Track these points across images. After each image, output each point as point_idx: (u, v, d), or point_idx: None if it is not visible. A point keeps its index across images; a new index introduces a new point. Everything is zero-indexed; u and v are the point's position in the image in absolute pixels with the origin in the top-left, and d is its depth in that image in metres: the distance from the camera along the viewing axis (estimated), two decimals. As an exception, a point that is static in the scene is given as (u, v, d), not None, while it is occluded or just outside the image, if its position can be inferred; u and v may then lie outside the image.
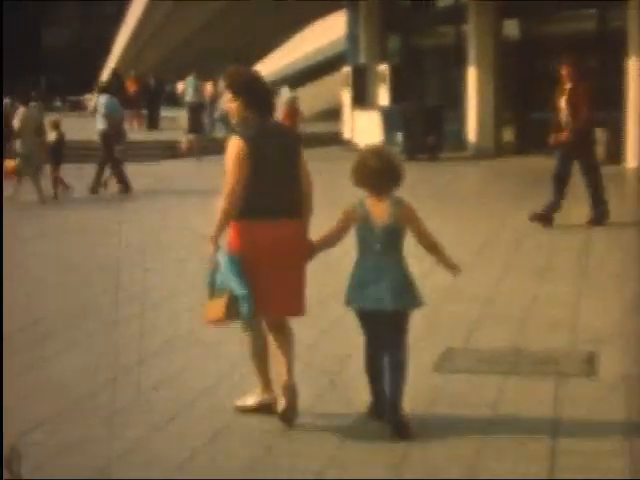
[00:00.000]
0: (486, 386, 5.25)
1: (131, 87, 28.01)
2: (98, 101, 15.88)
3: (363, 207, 4.66)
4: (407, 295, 4.65)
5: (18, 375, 5.59)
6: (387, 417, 4.56)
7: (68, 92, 49.55)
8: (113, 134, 15.21)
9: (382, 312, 4.56)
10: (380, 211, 4.65)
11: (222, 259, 4.58)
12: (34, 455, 4.35)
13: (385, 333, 4.60)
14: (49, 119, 15.45)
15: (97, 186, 15.05)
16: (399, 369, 4.58)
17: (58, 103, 45.21)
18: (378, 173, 4.62)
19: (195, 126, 21.39)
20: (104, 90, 16.03)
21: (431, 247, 4.83)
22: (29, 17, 63.56)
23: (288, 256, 4.66)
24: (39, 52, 65.65)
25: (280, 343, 4.75)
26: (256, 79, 4.93)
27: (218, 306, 4.59)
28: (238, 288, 4.52)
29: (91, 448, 4.46)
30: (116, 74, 26.09)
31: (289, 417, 4.63)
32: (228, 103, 4.87)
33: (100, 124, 15.25)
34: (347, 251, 4.96)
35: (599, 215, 10.39)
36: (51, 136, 14.92)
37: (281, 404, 4.65)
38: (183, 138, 21.76)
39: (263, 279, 4.61)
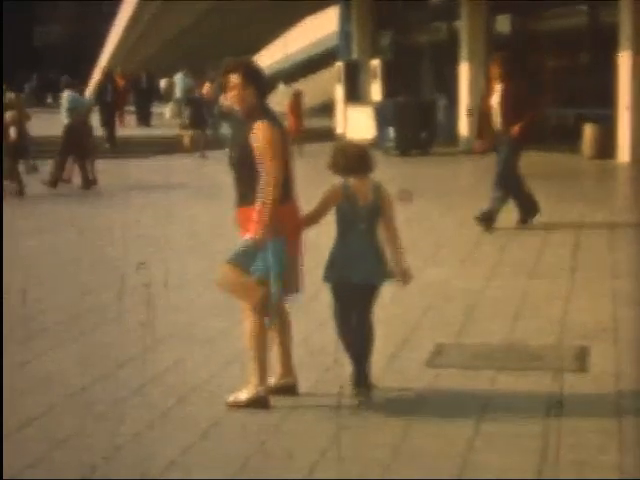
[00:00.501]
0: (478, 381, 5.27)
1: (119, 84, 27.89)
2: (62, 96, 15.98)
3: (348, 188, 4.94)
4: (386, 270, 5.02)
5: (12, 370, 5.60)
6: (355, 369, 4.98)
7: (61, 89, 49.37)
8: (77, 129, 15.33)
9: (369, 286, 4.96)
10: (364, 192, 4.96)
11: (271, 245, 4.73)
12: (28, 451, 4.36)
13: (362, 303, 4.99)
14: (7, 114, 15.45)
15: (56, 180, 15.17)
16: (370, 330, 5.03)
17: (50, 100, 45.07)
18: (359, 157, 4.97)
19: (197, 121, 21.33)
20: (68, 86, 16.15)
21: (393, 240, 5.07)
22: (22, 14, 63.38)
23: (299, 237, 4.96)
24: (32, 49, 65.47)
25: (285, 325, 5.03)
26: (262, 70, 5.08)
27: (256, 291, 4.75)
28: (278, 274, 4.76)
29: (85, 443, 4.47)
30: (107, 73, 26.00)
31: (296, 390, 4.98)
32: (235, 91, 4.86)
33: (64, 119, 15.47)
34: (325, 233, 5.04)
35: (520, 214, 10.10)
36: (11, 132, 14.93)
37: (290, 380, 4.99)
38: (185, 134, 21.72)
39: (291, 261, 4.87)
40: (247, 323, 4.89)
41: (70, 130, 15.35)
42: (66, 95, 15.71)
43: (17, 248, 9.93)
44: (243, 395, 4.89)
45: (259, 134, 4.78)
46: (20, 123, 14.96)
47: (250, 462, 4.26)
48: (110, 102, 22.95)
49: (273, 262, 4.75)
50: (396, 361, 5.67)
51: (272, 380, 5.01)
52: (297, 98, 20.66)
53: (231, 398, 4.92)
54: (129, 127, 26.17)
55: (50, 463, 4.25)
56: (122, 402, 5.03)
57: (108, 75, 25.13)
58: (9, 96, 17.70)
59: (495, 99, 9.87)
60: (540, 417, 4.69)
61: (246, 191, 4.83)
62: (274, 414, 4.79)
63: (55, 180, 15.15)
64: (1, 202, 12.28)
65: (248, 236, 4.76)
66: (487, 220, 9.96)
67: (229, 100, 4.95)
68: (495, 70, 9.91)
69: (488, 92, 10.12)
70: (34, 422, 4.75)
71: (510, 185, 10.02)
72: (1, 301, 6.90)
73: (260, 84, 4.92)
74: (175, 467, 4.20)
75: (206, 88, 22.31)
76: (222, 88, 5.02)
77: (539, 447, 4.33)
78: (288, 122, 20.11)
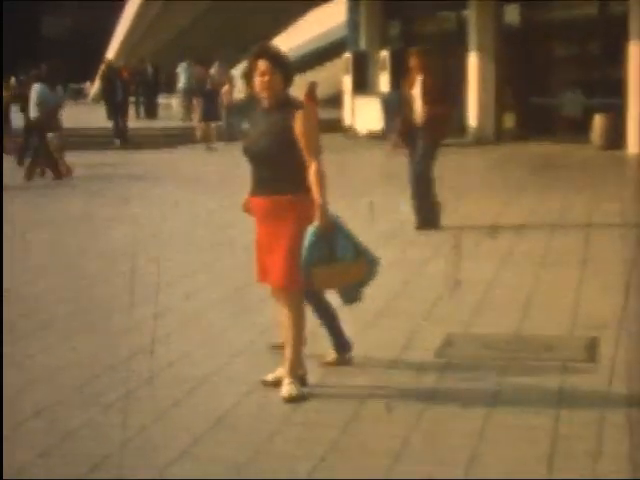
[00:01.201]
0: (488, 372, 5.26)
1: (123, 75, 27.80)
2: (32, 89, 16.04)
3: None
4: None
5: (19, 363, 5.61)
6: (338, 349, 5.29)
7: (70, 80, 49.41)
8: (44, 123, 15.42)
9: None
10: None
11: (340, 223, 4.82)
12: (36, 443, 4.36)
13: None
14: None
15: (32, 173, 15.37)
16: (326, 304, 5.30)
17: (59, 92, 45.06)
18: None
19: (209, 113, 21.26)
20: (38, 79, 16.20)
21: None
22: (29, 5, 63.39)
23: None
24: (39, 40, 65.50)
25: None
26: (288, 57, 5.04)
27: (360, 268, 4.84)
28: (365, 247, 4.87)
29: (94, 435, 4.47)
30: (110, 65, 25.96)
31: (306, 381, 5.00)
32: (263, 77, 4.78)
33: (33, 112, 15.56)
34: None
35: (423, 219, 9.77)
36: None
37: (300, 372, 4.96)
38: (197, 125, 21.68)
39: None
40: (295, 314, 4.85)
41: (36, 124, 15.48)
42: (35, 88, 15.72)
43: (24, 240, 9.94)
44: (295, 387, 4.84)
45: (305, 122, 4.73)
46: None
47: (260, 453, 4.25)
48: (120, 98, 22.79)
49: (349, 237, 4.80)
50: (406, 352, 5.66)
51: (282, 371, 5.00)
52: (312, 89, 20.57)
53: (286, 394, 4.83)
54: (131, 119, 26.14)
55: (60, 454, 4.25)
56: (132, 393, 5.03)
57: (112, 69, 24.99)
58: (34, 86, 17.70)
59: (415, 91, 9.67)
60: (551, 408, 4.68)
61: (283, 180, 4.76)
62: (284, 405, 4.78)
63: (32, 173, 15.38)
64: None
65: (312, 228, 4.69)
66: (432, 222, 9.72)
67: (256, 86, 4.84)
68: (414, 63, 9.69)
69: (409, 85, 9.83)
70: (44, 413, 4.75)
71: (419, 186, 9.71)
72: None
73: (287, 72, 4.85)
74: (186, 457, 4.20)
75: (226, 90, 21.99)
76: (246, 74, 4.94)
77: (550, 438, 4.32)
78: None
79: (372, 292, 7.13)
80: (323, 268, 4.75)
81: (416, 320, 6.36)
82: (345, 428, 4.49)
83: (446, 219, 9.99)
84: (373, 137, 21.28)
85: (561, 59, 19.96)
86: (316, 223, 4.72)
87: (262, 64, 4.79)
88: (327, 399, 4.89)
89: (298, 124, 4.73)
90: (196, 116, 22.21)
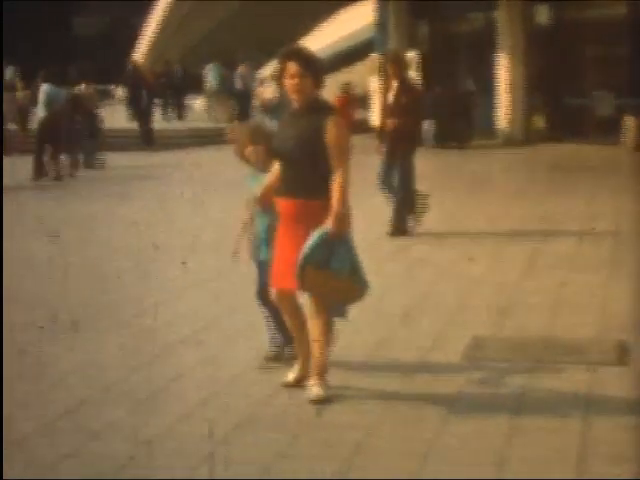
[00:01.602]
0: (515, 375, 5.22)
1: (148, 77, 27.83)
2: (40, 90, 16.18)
3: None
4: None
5: (47, 364, 5.64)
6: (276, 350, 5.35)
7: (98, 80, 49.69)
8: (52, 122, 15.55)
9: None
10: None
11: (350, 239, 4.80)
12: (64, 441, 4.38)
13: None
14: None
15: (39, 173, 15.48)
16: None
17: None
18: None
19: (242, 114, 21.28)
20: (47, 79, 16.31)
21: None
22: (59, 4, 63.83)
23: None
24: (69, 40, 65.94)
25: (305, 321, 5.05)
26: (319, 60, 4.99)
27: (353, 287, 4.80)
28: (361, 269, 4.83)
29: (121, 434, 4.48)
30: (134, 65, 26.04)
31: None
32: (293, 79, 4.76)
33: (40, 112, 15.68)
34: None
35: (397, 227, 9.42)
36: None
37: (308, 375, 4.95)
38: (230, 126, 21.70)
39: None
40: (321, 319, 4.82)
41: (45, 123, 15.61)
42: (44, 88, 15.86)
43: (54, 239, 10.01)
44: (322, 389, 4.83)
45: (335, 130, 4.71)
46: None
47: (286, 454, 4.24)
48: (145, 100, 22.73)
49: (351, 254, 4.77)
50: (432, 354, 5.63)
51: (296, 372, 5.01)
52: (347, 91, 20.48)
53: (314, 396, 4.81)
54: (158, 121, 26.19)
55: (87, 454, 4.27)
56: (158, 393, 5.04)
57: (136, 72, 24.97)
58: (78, 87, 17.83)
59: (390, 97, 9.47)
60: (578, 412, 4.63)
61: (312, 184, 4.74)
62: (310, 406, 4.77)
63: (38, 173, 15.48)
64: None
65: (321, 231, 4.67)
66: (401, 230, 9.46)
67: (286, 88, 4.82)
68: (391, 68, 9.54)
69: (386, 89, 9.72)
70: (71, 413, 4.77)
71: (399, 191, 9.49)
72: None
73: (317, 75, 4.81)
74: (211, 458, 4.19)
75: (259, 91, 21.87)
76: (276, 76, 4.93)
77: (577, 442, 4.28)
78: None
79: (399, 293, 7.10)
80: (315, 271, 4.69)
81: (443, 322, 6.33)
82: (370, 430, 4.47)
83: (472, 221, 9.94)
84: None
85: (591, 59, 19.79)
86: (327, 227, 4.67)
87: (292, 66, 4.76)
88: (352, 401, 4.87)
89: (329, 131, 4.70)
90: (225, 117, 22.24)
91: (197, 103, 30.79)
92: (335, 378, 5.04)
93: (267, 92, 21.25)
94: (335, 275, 4.71)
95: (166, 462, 4.17)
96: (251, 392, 5.01)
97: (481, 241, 9.28)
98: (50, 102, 15.56)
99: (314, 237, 4.68)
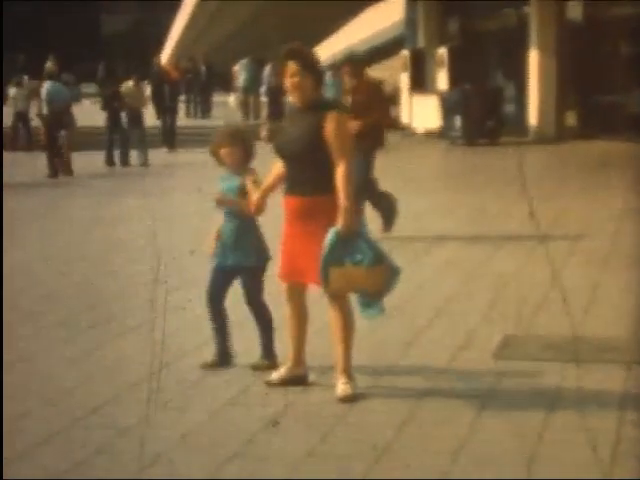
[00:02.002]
0: (547, 374, 5.15)
1: (172, 75, 27.83)
2: (43, 87, 16.25)
3: None
4: (260, 253, 5.32)
5: (77, 359, 5.64)
6: (265, 358, 5.31)
7: (127, 79, 49.91)
8: (54, 120, 15.67)
9: (244, 268, 5.31)
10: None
11: (364, 229, 4.80)
12: (93, 439, 4.37)
13: (242, 286, 5.40)
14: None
15: (56, 171, 15.58)
16: (261, 310, 5.42)
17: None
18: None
19: (274, 112, 21.23)
20: (50, 77, 16.36)
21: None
22: (89, 3, 64.25)
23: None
24: (99, 39, 66.35)
25: (305, 316, 5.10)
26: (319, 58, 5.02)
27: (377, 275, 4.73)
28: (386, 255, 4.80)
29: (149, 432, 4.46)
30: (157, 63, 26.11)
31: (307, 380, 5.06)
32: (293, 78, 4.80)
33: (44, 110, 15.82)
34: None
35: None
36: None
37: (302, 371, 5.04)
38: (263, 124, 21.68)
39: None
40: (342, 316, 4.81)
41: (47, 121, 15.78)
42: (46, 86, 15.97)
43: (78, 238, 10.04)
44: (351, 387, 4.81)
45: (335, 125, 4.74)
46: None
47: (314, 453, 4.20)
48: (168, 98, 22.58)
49: (371, 243, 4.74)
50: (463, 353, 5.57)
51: (282, 371, 5.03)
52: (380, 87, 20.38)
53: (342, 394, 4.79)
54: (183, 119, 26.21)
55: (114, 451, 4.25)
56: (185, 391, 5.03)
57: (159, 70, 24.95)
58: (125, 85, 17.77)
59: (348, 99, 9.13)
60: (612, 411, 4.56)
61: (314, 181, 4.78)
62: (338, 405, 4.72)
63: (55, 170, 15.58)
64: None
65: (334, 230, 4.67)
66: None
67: (287, 88, 4.87)
68: (347, 69, 9.22)
69: (345, 92, 9.39)
70: (99, 410, 4.76)
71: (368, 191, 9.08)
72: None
73: (318, 73, 4.88)
74: (239, 457, 4.17)
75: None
76: (278, 75, 4.96)
77: (611, 442, 4.21)
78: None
79: (428, 291, 7.03)
80: (339, 270, 4.68)
81: (473, 321, 6.26)
82: (401, 428, 4.43)
83: (501, 221, 9.85)
84: (431, 135, 21.15)
85: (624, 56, 19.59)
86: (339, 225, 4.67)
87: (291, 66, 4.82)
88: (382, 399, 4.83)
89: (328, 126, 4.74)
90: (257, 114, 22.18)
91: (230, 100, 30.75)
92: (366, 377, 5.00)
93: None
94: (358, 268, 4.69)
95: (192, 461, 4.15)
96: (280, 390, 4.97)
97: (511, 239, 9.19)
98: (51, 100, 15.71)
99: (329, 237, 4.68)
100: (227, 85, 34.35)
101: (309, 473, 4.02)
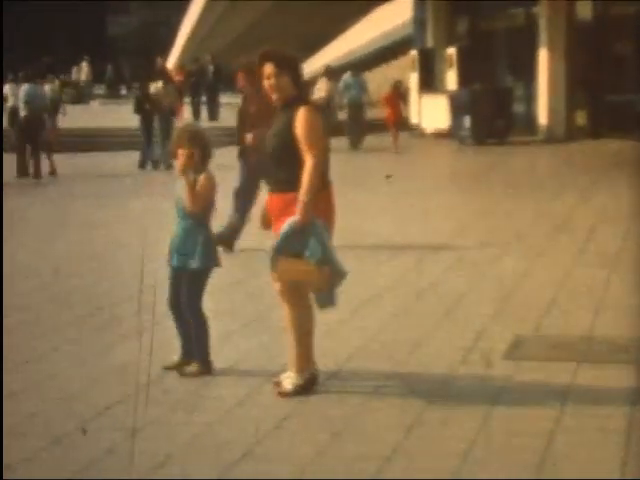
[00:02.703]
0: (558, 374, 5.13)
1: (177, 76, 27.72)
2: (21, 89, 16.41)
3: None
4: (207, 256, 5.26)
5: (87, 359, 5.64)
6: (197, 357, 5.24)
7: (134, 80, 49.99)
8: (31, 122, 15.76)
9: (186, 270, 5.27)
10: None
11: (319, 226, 4.76)
12: (103, 439, 4.36)
13: (184, 288, 5.34)
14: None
15: (39, 171, 15.77)
16: (197, 317, 5.34)
17: (124, 91, 45.63)
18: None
19: None
20: (27, 79, 16.48)
21: None
22: (95, 4, 64.32)
23: (332, 223, 4.96)
24: (106, 40, 66.46)
25: (311, 315, 4.98)
26: (296, 58, 5.07)
27: (321, 274, 4.72)
28: (334, 256, 4.78)
29: (159, 432, 4.46)
30: (160, 64, 26.09)
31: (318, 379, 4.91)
32: (269, 80, 4.88)
33: (22, 111, 15.95)
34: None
35: (227, 234, 8.60)
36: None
37: (313, 370, 4.90)
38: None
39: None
40: (291, 310, 4.85)
41: (23, 123, 15.90)
42: (23, 88, 16.15)
43: (85, 239, 10.05)
44: (291, 382, 4.83)
45: (301, 119, 4.81)
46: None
47: (324, 453, 4.19)
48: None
49: (322, 241, 4.75)
50: (474, 353, 5.55)
51: (287, 381, 4.92)
52: (396, 89, 20.36)
53: (282, 389, 4.85)
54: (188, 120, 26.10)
55: (124, 452, 4.24)
56: (196, 391, 5.02)
57: (163, 71, 24.80)
58: (155, 86, 17.65)
59: (250, 107, 8.81)
60: (624, 411, 4.54)
61: (286, 177, 4.83)
62: (348, 406, 4.71)
63: (23, 171, 15.78)
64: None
65: (290, 220, 4.74)
66: (226, 242, 8.59)
67: (266, 89, 4.93)
68: (240, 79, 8.99)
69: (244, 100, 9.15)
70: (109, 411, 4.76)
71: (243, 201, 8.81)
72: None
73: (295, 72, 4.94)
74: (250, 457, 4.16)
75: (320, 89, 21.52)
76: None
77: (623, 442, 4.19)
78: (385, 113, 19.88)
79: (436, 293, 6.98)
80: (288, 260, 4.77)
81: (483, 321, 6.24)
82: (410, 429, 4.41)
83: (513, 219, 9.82)
84: (440, 136, 21.12)
85: (634, 55, 19.53)
86: (295, 217, 4.73)
87: (267, 67, 4.91)
88: (392, 400, 4.81)
89: (297, 121, 4.81)
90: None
91: (239, 101, 30.61)
92: (375, 377, 4.99)
93: (321, 89, 21.04)
94: (306, 263, 4.73)
95: (203, 461, 4.14)
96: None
97: (522, 238, 9.17)
98: (29, 101, 15.86)
99: (284, 227, 4.77)
100: (234, 86, 34.22)
101: (319, 473, 4.00)
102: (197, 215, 5.24)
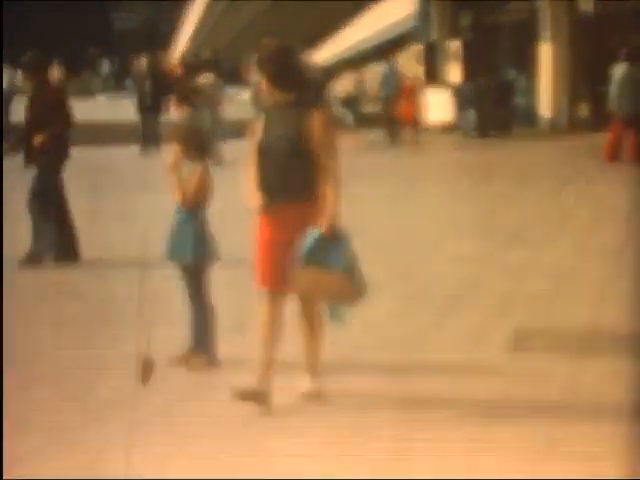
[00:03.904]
0: (561, 366, 5.14)
1: (176, 71, 27.56)
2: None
3: None
4: (205, 250, 5.28)
5: (93, 355, 5.65)
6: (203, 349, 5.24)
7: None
8: None
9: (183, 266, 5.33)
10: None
11: (345, 235, 4.59)
12: (113, 431, 4.38)
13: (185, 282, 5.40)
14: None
15: None
16: (201, 312, 5.38)
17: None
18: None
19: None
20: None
21: None
22: (100, 2, 64.30)
23: None
24: (111, 36, 66.43)
25: (319, 328, 4.84)
26: (283, 52, 4.67)
27: (345, 284, 4.54)
28: (359, 266, 4.62)
29: (165, 426, 4.46)
30: (160, 60, 26.01)
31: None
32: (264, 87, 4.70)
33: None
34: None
35: (31, 254, 8.02)
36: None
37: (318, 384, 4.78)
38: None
39: None
40: (312, 321, 4.73)
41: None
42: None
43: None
44: (317, 383, 4.79)
45: (322, 126, 4.52)
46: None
47: (320, 456, 4.20)
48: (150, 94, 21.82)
49: (348, 250, 4.58)
50: (477, 345, 5.56)
51: (305, 384, 4.80)
52: (411, 85, 20.29)
53: (309, 390, 4.77)
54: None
55: (127, 446, 4.25)
56: (202, 382, 5.03)
57: (159, 67, 24.56)
58: (204, 78, 17.11)
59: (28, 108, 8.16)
60: (626, 404, 4.54)
61: (302, 186, 4.56)
62: (342, 410, 4.67)
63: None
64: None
65: (313, 232, 4.51)
66: (32, 260, 8.00)
67: (262, 86, 4.74)
68: (25, 74, 8.20)
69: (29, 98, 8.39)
70: (115, 405, 4.76)
71: (43, 210, 8.03)
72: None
73: (277, 69, 4.62)
74: (246, 454, 4.16)
75: (345, 83, 21.26)
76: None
77: (625, 437, 4.18)
78: (402, 109, 19.81)
79: (441, 283, 6.96)
80: (309, 272, 4.52)
81: (487, 314, 6.25)
82: (413, 425, 4.42)
83: (510, 215, 9.81)
84: (444, 128, 21.12)
85: (636, 48, 19.50)
86: (322, 228, 4.51)
87: (261, 81, 4.76)
88: (394, 399, 4.79)
89: (316, 126, 4.52)
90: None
91: (243, 95, 30.61)
92: (374, 375, 4.99)
93: (346, 84, 20.94)
94: (328, 272, 4.52)
95: (206, 455, 4.15)
96: (287, 389, 4.96)
97: (526, 230, 9.18)
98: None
99: (308, 239, 4.53)
100: (236, 81, 34.28)
101: (315, 474, 3.97)
102: (190, 209, 5.24)
